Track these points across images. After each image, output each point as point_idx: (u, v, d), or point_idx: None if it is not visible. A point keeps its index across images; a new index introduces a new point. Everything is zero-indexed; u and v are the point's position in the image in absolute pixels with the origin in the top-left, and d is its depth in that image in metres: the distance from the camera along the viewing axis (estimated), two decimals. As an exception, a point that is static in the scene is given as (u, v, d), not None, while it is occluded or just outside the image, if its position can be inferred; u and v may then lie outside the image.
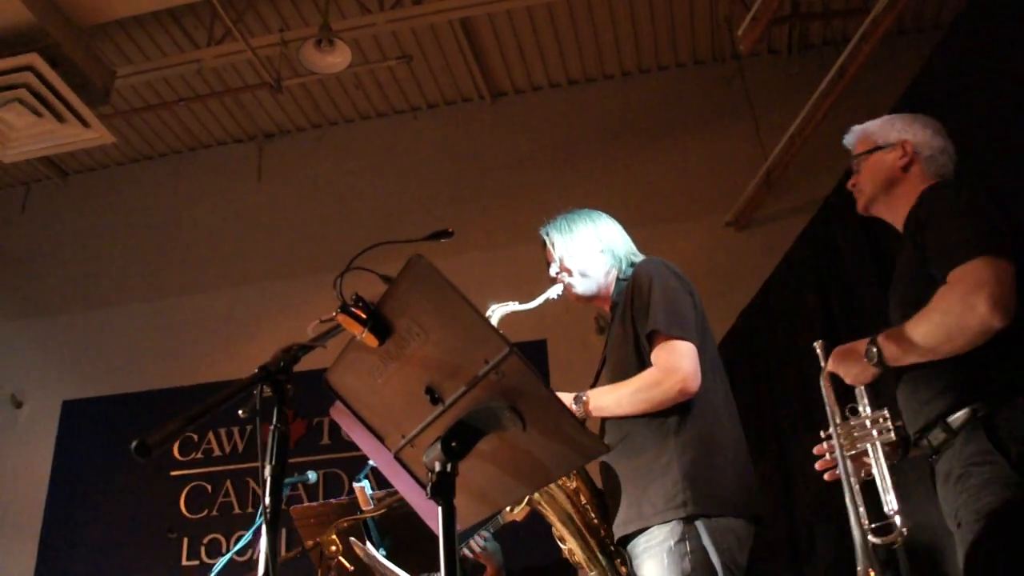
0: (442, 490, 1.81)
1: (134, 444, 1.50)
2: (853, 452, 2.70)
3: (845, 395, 2.81)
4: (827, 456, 2.81)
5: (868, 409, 2.72)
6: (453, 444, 1.84)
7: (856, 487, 2.67)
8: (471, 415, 1.85)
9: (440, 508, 1.81)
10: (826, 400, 2.83)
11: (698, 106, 7.98)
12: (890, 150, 2.88)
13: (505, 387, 1.76)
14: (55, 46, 5.55)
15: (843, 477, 2.70)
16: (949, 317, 2.38)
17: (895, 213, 2.86)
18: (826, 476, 2.81)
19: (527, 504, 3.23)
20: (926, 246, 2.54)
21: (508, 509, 4.03)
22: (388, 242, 1.97)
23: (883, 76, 6.13)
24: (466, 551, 4.89)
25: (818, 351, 2.94)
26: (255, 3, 7.32)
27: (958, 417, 2.43)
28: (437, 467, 1.84)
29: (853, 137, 3.05)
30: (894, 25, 6.34)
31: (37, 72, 5.45)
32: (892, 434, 2.64)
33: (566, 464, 2.00)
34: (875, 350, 2.56)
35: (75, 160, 9.06)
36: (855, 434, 2.70)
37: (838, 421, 2.77)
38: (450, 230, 2.06)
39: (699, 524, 2.85)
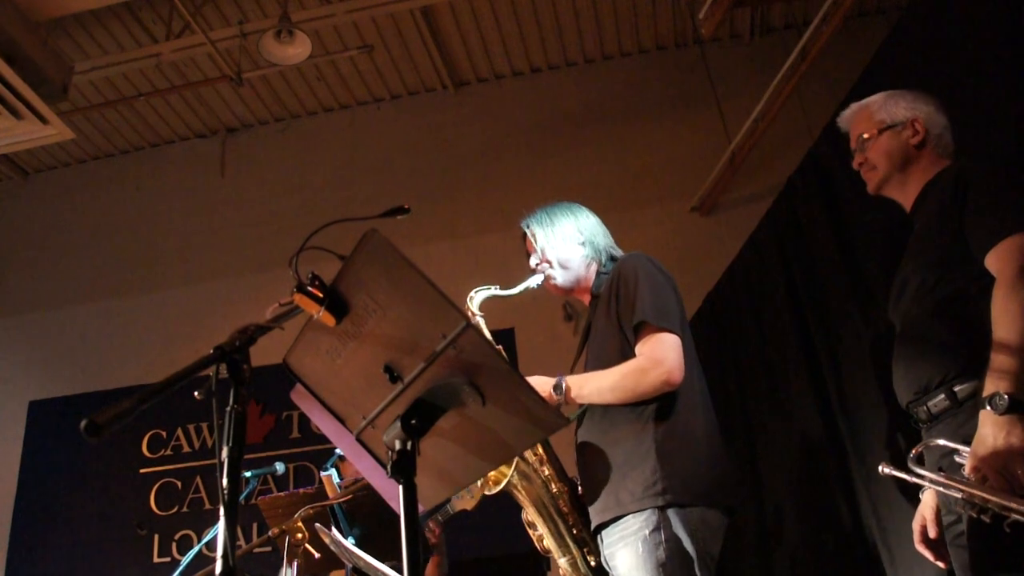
0: (402, 468, 1.79)
1: (83, 423, 1.47)
2: None
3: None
4: None
5: None
6: (413, 422, 1.82)
7: None
8: (431, 392, 1.83)
9: (401, 486, 1.79)
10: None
11: (661, 92, 7.99)
12: (901, 129, 2.87)
13: (463, 362, 1.74)
14: (10, 42, 5.45)
15: None
16: None
17: (906, 192, 2.87)
18: None
19: (504, 487, 3.21)
20: (964, 222, 2.53)
21: (458, 498, 4.04)
22: (344, 220, 1.95)
23: (845, 58, 6.14)
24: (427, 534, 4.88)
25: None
26: (213, -5, 7.27)
27: (967, 388, 2.42)
28: (397, 445, 1.82)
29: (852, 115, 3.04)
30: (854, 7, 6.38)
31: (-8, 69, 5.38)
32: None
33: (527, 439, 1.99)
34: (1004, 398, 2.22)
35: (35, 158, 8.98)
36: None
37: None
38: (406, 206, 2.03)
39: (674, 513, 2.85)
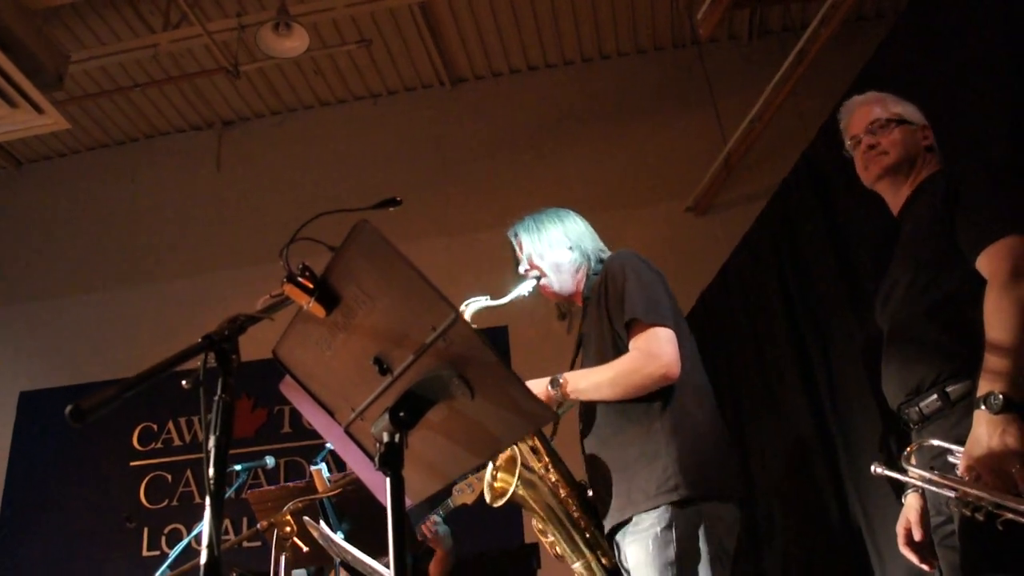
0: (390, 460, 1.78)
1: (68, 409, 1.46)
2: None
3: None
4: None
5: None
6: (401, 414, 1.81)
7: None
8: (420, 385, 1.82)
9: (388, 479, 1.78)
10: None
11: (658, 92, 7.99)
12: (916, 128, 2.87)
13: (453, 354, 1.73)
14: (6, 30, 5.43)
15: None
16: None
17: (898, 191, 2.86)
18: None
19: (510, 497, 3.19)
20: (956, 224, 2.52)
21: (459, 492, 4.02)
22: (335, 211, 1.94)
23: (842, 62, 6.11)
24: (418, 534, 4.87)
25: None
26: (211, -14, 7.25)
27: (959, 388, 2.42)
28: (385, 438, 1.81)
29: (863, 99, 3.01)
30: (853, 10, 6.37)
31: (-12, 56, 5.36)
32: None
33: (516, 432, 1.98)
34: (999, 398, 2.20)
35: (29, 148, 8.94)
36: None
37: None
38: (398, 198, 2.02)
39: (688, 509, 2.84)
